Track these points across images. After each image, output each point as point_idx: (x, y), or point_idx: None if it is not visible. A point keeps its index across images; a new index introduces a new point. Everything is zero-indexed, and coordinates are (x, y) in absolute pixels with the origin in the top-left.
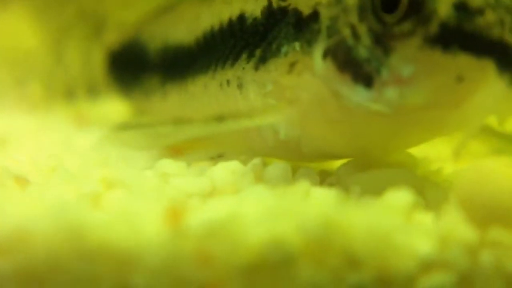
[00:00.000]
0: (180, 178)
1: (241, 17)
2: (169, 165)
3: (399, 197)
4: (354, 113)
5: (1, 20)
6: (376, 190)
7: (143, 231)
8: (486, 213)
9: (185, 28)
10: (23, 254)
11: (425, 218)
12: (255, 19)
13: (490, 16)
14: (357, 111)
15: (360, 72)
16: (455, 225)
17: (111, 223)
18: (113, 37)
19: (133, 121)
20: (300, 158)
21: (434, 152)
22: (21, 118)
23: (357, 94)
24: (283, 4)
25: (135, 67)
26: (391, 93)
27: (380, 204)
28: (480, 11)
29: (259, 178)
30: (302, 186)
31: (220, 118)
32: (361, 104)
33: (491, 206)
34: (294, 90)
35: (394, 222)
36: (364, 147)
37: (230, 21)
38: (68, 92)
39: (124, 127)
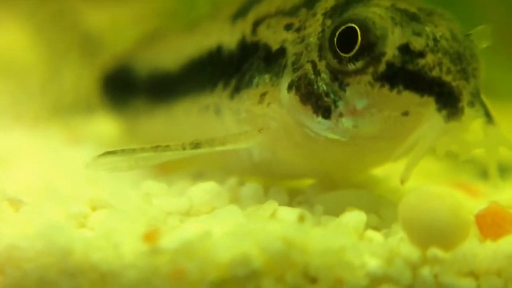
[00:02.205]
0: (161, 198)
1: (219, 49)
2: (151, 185)
3: (354, 217)
4: (315, 140)
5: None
6: (337, 209)
7: (123, 250)
8: (425, 234)
9: (170, 56)
10: (15, 271)
11: (375, 237)
12: (230, 51)
13: (430, 58)
14: (318, 138)
15: (319, 104)
16: (401, 244)
17: (95, 242)
18: (107, 60)
19: (117, 148)
20: (273, 177)
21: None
22: (16, 136)
23: (317, 124)
24: (255, 38)
25: (126, 89)
26: (346, 123)
27: (337, 224)
28: (422, 54)
29: (234, 197)
30: (270, 206)
31: (196, 144)
32: (321, 133)
33: (430, 228)
34: (264, 118)
35: (348, 241)
36: (325, 169)
37: (209, 52)
38: (62, 110)
39: (109, 153)
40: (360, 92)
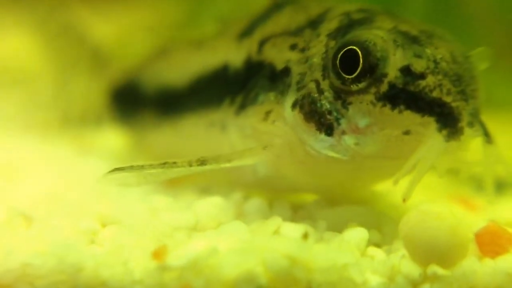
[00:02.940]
0: (168, 213)
1: (225, 66)
2: (159, 200)
3: (356, 234)
4: (318, 157)
5: (9, 45)
6: (340, 225)
7: (132, 266)
8: (426, 252)
9: (178, 72)
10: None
11: (377, 254)
12: (237, 69)
13: (430, 80)
14: (320, 156)
15: (322, 122)
16: (402, 261)
17: (104, 258)
18: (116, 73)
19: (126, 165)
20: (276, 192)
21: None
22: (26, 146)
23: (319, 142)
24: (260, 57)
25: (135, 103)
26: (348, 141)
27: (340, 240)
28: (422, 75)
29: (239, 212)
30: (274, 222)
31: (202, 161)
32: (322, 151)
33: (430, 246)
34: (269, 135)
35: (350, 258)
36: (327, 186)
37: (216, 69)
38: (72, 121)
39: (118, 169)
40: (362, 111)
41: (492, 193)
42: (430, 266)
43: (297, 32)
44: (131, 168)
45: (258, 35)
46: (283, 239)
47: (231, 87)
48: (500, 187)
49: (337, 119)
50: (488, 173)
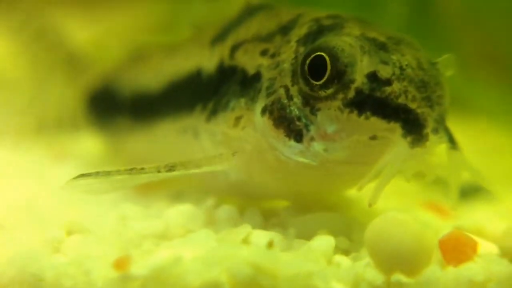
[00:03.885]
0: (137, 221)
1: (198, 72)
2: (128, 207)
3: (323, 242)
4: (287, 163)
5: None
6: (310, 233)
7: (93, 276)
8: (390, 260)
9: (152, 77)
10: None
11: (343, 262)
12: (209, 74)
13: (396, 86)
14: (289, 162)
15: (291, 128)
16: (366, 269)
17: (67, 268)
18: (92, 78)
19: (91, 171)
20: (248, 198)
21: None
22: (0, 152)
23: (288, 148)
24: (232, 63)
25: (110, 108)
26: (317, 147)
27: (307, 248)
28: (388, 82)
29: (209, 219)
30: (244, 229)
31: (171, 167)
32: (292, 157)
33: (394, 254)
34: (239, 141)
35: (316, 266)
36: (297, 192)
37: (189, 75)
38: (47, 127)
39: (83, 175)
40: (330, 117)
41: (455, 199)
42: (394, 274)
43: (268, 38)
44: (97, 174)
45: (230, 40)
46: (248, 248)
47: (203, 93)
48: (468, 192)
49: (306, 126)
50: (453, 179)
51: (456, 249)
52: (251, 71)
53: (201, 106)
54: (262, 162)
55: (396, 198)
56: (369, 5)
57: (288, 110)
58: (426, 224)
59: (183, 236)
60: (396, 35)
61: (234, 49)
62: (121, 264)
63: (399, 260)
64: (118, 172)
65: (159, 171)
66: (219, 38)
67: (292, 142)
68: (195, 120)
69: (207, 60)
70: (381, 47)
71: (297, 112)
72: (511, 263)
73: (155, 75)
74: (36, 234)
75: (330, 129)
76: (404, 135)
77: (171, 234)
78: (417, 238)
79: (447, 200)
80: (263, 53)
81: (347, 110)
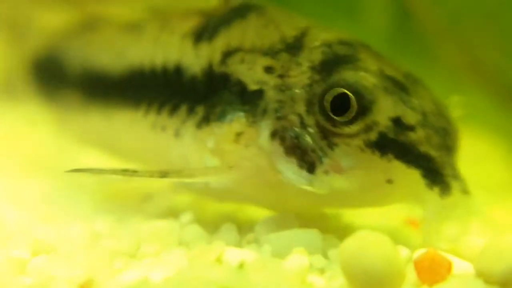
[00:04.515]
0: (109, 239)
1: (178, 68)
2: (101, 223)
3: (297, 261)
4: (288, 185)
5: None
6: (285, 250)
7: None
8: (363, 280)
9: (110, 55)
10: None
11: (317, 282)
12: (194, 75)
13: (420, 133)
14: (294, 186)
15: (305, 158)
16: None
17: None
18: (36, 44)
19: (86, 167)
20: (227, 201)
21: None
22: None
23: (299, 177)
24: (225, 69)
25: (58, 78)
26: (329, 180)
27: (280, 268)
28: (412, 128)
29: (183, 237)
30: (217, 247)
31: (164, 173)
32: (300, 185)
33: (366, 274)
34: (236, 156)
35: (288, 286)
36: (287, 207)
37: (165, 67)
38: None
39: (77, 170)
40: (349, 154)
41: (458, 240)
42: None
43: (271, 53)
44: (91, 171)
45: (220, 43)
46: (219, 269)
47: (187, 95)
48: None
49: (320, 158)
50: (461, 224)
51: (431, 269)
52: (252, 85)
53: (187, 108)
54: (258, 179)
55: (379, 214)
56: (351, 16)
57: (302, 140)
58: (403, 243)
59: (155, 254)
60: (408, 72)
61: (227, 54)
62: (86, 286)
63: (372, 280)
64: (113, 171)
65: (151, 176)
66: (203, 35)
67: (304, 172)
68: (179, 122)
69: (191, 59)
70: (402, 88)
71: (312, 143)
72: (486, 284)
73: (114, 54)
74: (2, 254)
75: (347, 164)
76: (430, 186)
77: (143, 253)
78: (389, 258)
79: (450, 239)
80: (268, 70)
81: (369, 150)
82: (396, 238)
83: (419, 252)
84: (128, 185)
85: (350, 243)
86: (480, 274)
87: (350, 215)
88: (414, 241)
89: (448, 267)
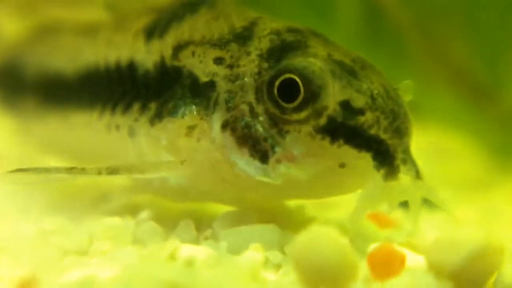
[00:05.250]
0: (59, 236)
1: (131, 65)
2: (52, 221)
3: (251, 257)
4: (244, 178)
5: None
6: (242, 246)
7: None
8: (314, 275)
9: (65, 58)
10: None
11: (270, 278)
12: (147, 71)
13: (369, 116)
14: (248, 178)
15: (257, 148)
16: (292, 285)
17: None
18: None
19: (30, 167)
20: (185, 201)
21: None
22: None
23: (252, 167)
24: (177, 64)
25: (16, 85)
26: (283, 169)
27: (233, 264)
28: (361, 111)
29: (138, 234)
30: (171, 244)
31: (113, 170)
32: (254, 175)
33: (319, 269)
34: (189, 150)
35: (239, 283)
36: (246, 201)
37: (118, 66)
38: None
39: (21, 170)
40: (300, 141)
41: (417, 224)
42: None
43: (221, 44)
44: (36, 170)
45: (172, 38)
46: (167, 266)
47: (140, 92)
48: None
49: (273, 147)
50: (416, 208)
51: (384, 263)
52: (202, 77)
53: (140, 106)
54: (213, 173)
55: (345, 208)
56: (323, 14)
57: (253, 129)
58: (362, 237)
59: (107, 252)
60: (357, 56)
61: (178, 49)
62: (25, 286)
63: (322, 275)
64: (58, 170)
65: (99, 173)
66: (155, 31)
67: (257, 163)
68: (133, 120)
69: (143, 55)
70: (350, 72)
71: (263, 132)
72: (437, 277)
73: (70, 57)
74: None
75: (298, 152)
76: (377, 167)
77: (95, 250)
78: (340, 253)
79: (410, 225)
80: (218, 61)
81: (319, 136)
82: (357, 233)
83: (373, 247)
84: (86, 183)
85: (301, 238)
86: (432, 268)
87: (314, 209)
88: (374, 235)
89: (402, 260)
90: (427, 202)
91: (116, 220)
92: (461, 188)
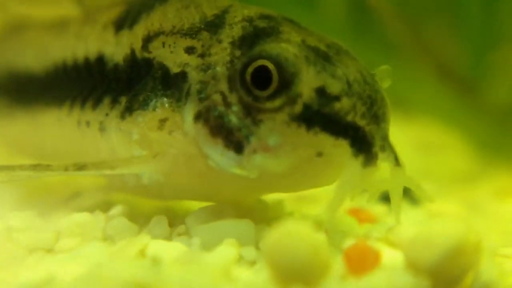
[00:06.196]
0: (24, 233)
1: (100, 59)
2: (18, 217)
3: (224, 253)
4: (220, 172)
5: None
6: (216, 242)
7: None
8: (287, 272)
9: (33, 55)
10: None
11: (242, 275)
12: (116, 64)
13: (345, 102)
14: (224, 171)
15: (231, 138)
16: (265, 282)
17: None
18: None
19: None
20: (161, 199)
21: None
22: None
23: (226, 159)
24: (147, 55)
25: None
26: (258, 160)
27: (204, 261)
28: (337, 97)
29: (107, 230)
30: (142, 240)
31: (80, 167)
32: (228, 168)
33: (291, 265)
34: (161, 144)
35: (208, 281)
36: (222, 197)
37: (87, 60)
38: None
39: None
40: (275, 130)
41: (398, 215)
42: (292, 286)
43: (192, 33)
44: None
45: (141, 29)
46: (136, 264)
47: (110, 86)
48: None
49: (247, 137)
50: (396, 196)
51: (360, 260)
52: (173, 68)
53: (110, 100)
54: (187, 168)
55: (323, 203)
56: (309, 5)
57: (226, 119)
58: (341, 233)
59: (74, 249)
60: (332, 42)
61: (148, 40)
62: None
63: (295, 272)
64: (22, 167)
65: (66, 170)
66: (124, 23)
67: (232, 153)
68: (103, 115)
69: (112, 48)
70: (325, 58)
71: (237, 122)
72: (414, 274)
73: (38, 54)
74: None
75: (274, 141)
76: (355, 154)
77: (61, 247)
78: (313, 249)
79: (391, 214)
80: (189, 50)
81: (294, 124)
82: (333, 223)
83: (349, 242)
84: (61, 181)
85: (274, 234)
86: (410, 264)
87: (293, 204)
88: (353, 231)
89: (377, 257)
90: (408, 196)
91: (85, 216)
92: (446, 182)
